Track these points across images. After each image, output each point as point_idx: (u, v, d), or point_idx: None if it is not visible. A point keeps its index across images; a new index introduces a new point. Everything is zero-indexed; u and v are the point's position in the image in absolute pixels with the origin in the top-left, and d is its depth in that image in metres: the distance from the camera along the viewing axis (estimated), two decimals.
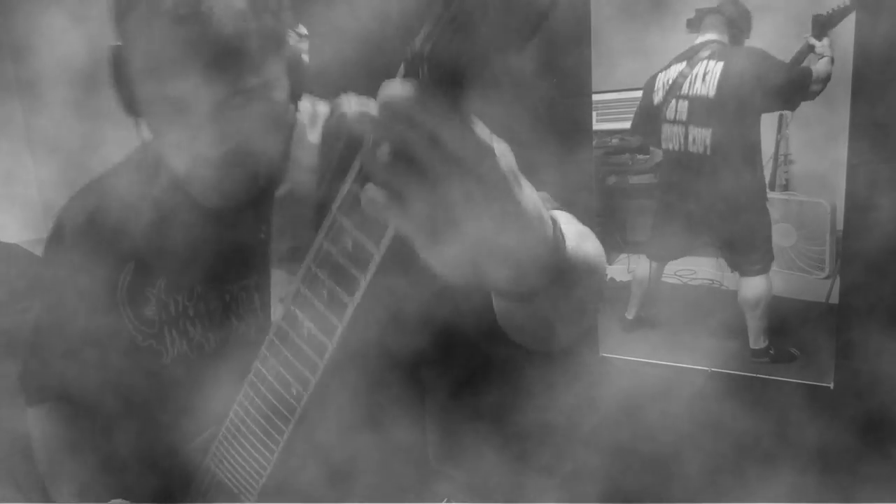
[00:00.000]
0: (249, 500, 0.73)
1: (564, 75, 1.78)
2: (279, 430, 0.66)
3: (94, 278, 0.85)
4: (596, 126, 2.19)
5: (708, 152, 1.90)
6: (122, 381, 0.88)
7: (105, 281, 0.86)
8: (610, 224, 2.92)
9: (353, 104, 0.45)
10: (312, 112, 0.84)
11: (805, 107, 1.86)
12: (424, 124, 0.42)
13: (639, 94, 2.13)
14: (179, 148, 0.76)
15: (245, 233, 0.81)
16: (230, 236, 0.81)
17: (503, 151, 0.45)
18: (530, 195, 0.47)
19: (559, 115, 1.84)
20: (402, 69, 0.44)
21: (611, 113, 2.82)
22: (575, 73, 1.79)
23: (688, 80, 1.94)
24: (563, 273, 0.52)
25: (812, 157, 1.86)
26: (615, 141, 2.87)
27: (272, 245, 0.79)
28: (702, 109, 1.90)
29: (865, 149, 1.55)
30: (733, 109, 1.86)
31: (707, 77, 1.91)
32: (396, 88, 0.42)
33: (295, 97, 0.79)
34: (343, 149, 0.63)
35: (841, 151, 1.64)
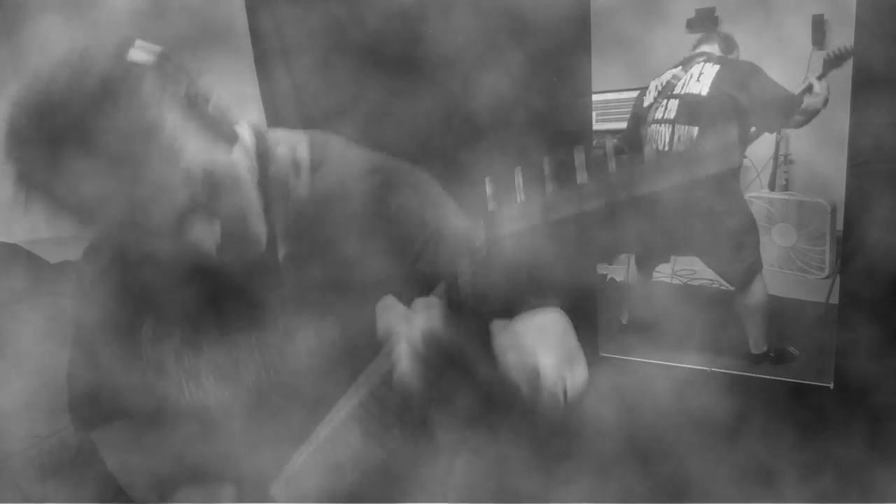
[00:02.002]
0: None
1: (564, 75, 1.78)
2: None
3: (118, 327, 0.88)
4: (596, 126, 2.19)
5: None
6: (149, 424, 0.91)
7: (128, 327, 0.88)
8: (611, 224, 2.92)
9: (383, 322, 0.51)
10: (292, 159, 0.84)
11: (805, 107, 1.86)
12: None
13: (638, 94, 2.13)
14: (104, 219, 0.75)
15: (248, 290, 0.82)
16: (234, 294, 0.83)
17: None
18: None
19: (559, 115, 1.84)
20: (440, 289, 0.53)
21: (611, 113, 2.82)
22: (575, 73, 1.79)
23: (681, 81, 1.96)
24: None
25: (812, 157, 1.86)
26: (614, 141, 2.86)
27: (285, 298, 0.82)
28: (691, 107, 1.91)
29: (865, 149, 1.55)
30: (722, 110, 1.87)
31: (702, 77, 1.92)
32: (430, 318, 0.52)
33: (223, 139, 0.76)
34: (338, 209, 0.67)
35: (841, 151, 1.64)
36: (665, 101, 1.99)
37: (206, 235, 0.74)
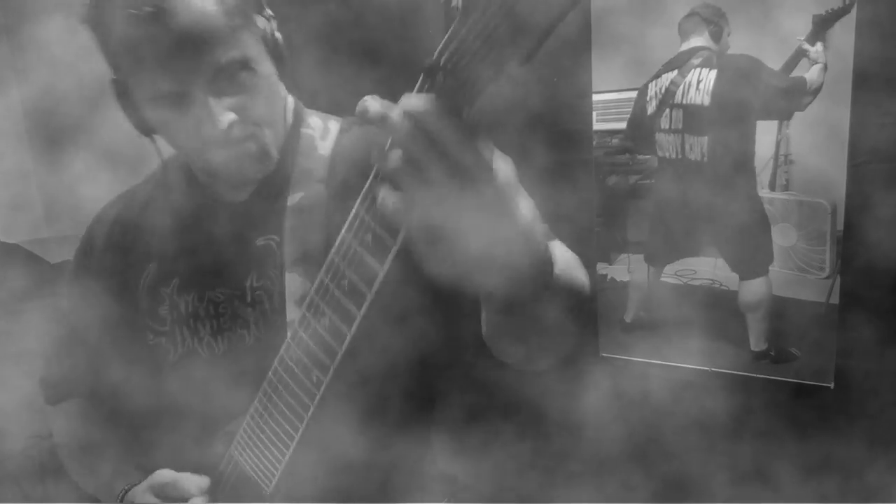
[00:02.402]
0: (268, 487, 0.76)
1: (564, 75, 1.78)
2: (299, 415, 0.69)
3: (121, 279, 0.90)
4: (596, 126, 2.18)
5: (706, 159, 1.92)
6: (134, 378, 0.91)
7: (129, 281, 0.90)
8: (610, 224, 2.92)
9: (376, 105, 0.48)
10: (323, 127, 0.88)
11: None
12: (436, 136, 0.46)
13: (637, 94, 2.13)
14: (190, 139, 0.79)
15: (257, 239, 0.84)
16: (242, 241, 0.85)
17: (503, 168, 0.49)
18: (526, 212, 0.50)
19: (559, 115, 1.84)
20: (420, 79, 0.49)
21: (611, 113, 2.82)
22: (575, 73, 1.80)
23: (680, 88, 1.96)
24: (548, 289, 0.56)
25: (812, 157, 1.86)
26: (615, 141, 2.86)
27: (285, 250, 0.82)
28: (697, 118, 1.92)
29: (865, 149, 1.55)
30: (728, 117, 1.87)
31: (701, 85, 1.92)
32: (417, 101, 0.46)
33: (281, 74, 0.82)
34: (354, 163, 0.67)
35: (841, 151, 1.64)
36: (668, 110, 1.99)
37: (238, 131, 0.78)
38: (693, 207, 1.98)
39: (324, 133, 0.88)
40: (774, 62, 1.83)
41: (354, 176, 0.60)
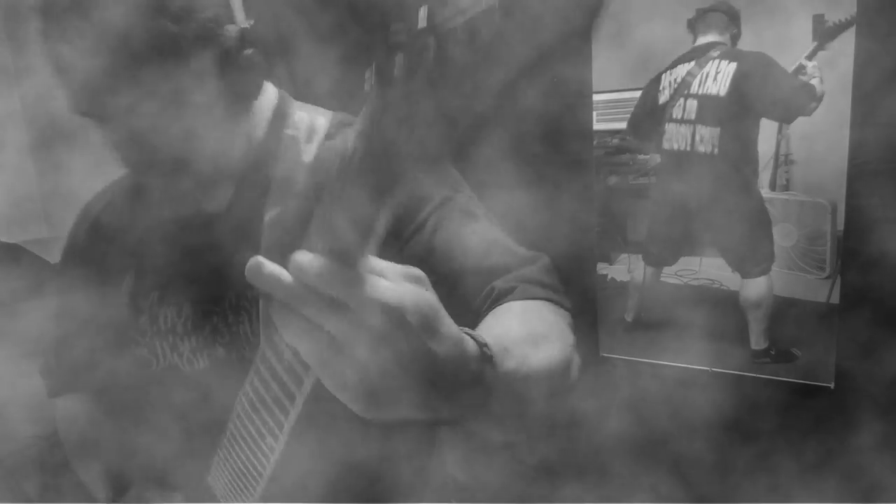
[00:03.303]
0: (258, 483, 0.75)
1: (564, 75, 1.78)
2: (284, 410, 0.66)
3: (103, 280, 0.88)
4: (596, 126, 2.18)
5: (716, 151, 1.91)
6: (125, 378, 0.91)
7: (111, 285, 0.88)
8: (610, 224, 2.93)
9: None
10: (309, 125, 0.82)
11: None
12: (332, 295, 0.40)
13: (639, 94, 2.12)
14: (122, 159, 0.76)
15: (233, 254, 0.79)
16: (221, 255, 0.81)
17: (417, 302, 0.41)
18: (448, 334, 0.43)
19: (559, 115, 1.84)
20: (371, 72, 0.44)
21: (611, 113, 2.82)
22: (575, 73, 1.79)
23: (697, 78, 1.94)
24: (494, 395, 0.49)
25: (812, 157, 1.86)
26: (615, 141, 2.86)
27: None
28: (712, 108, 1.90)
29: (865, 149, 1.55)
30: (743, 109, 1.86)
31: (719, 76, 1.91)
32: (305, 261, 0.41)
33: (241, 97, 0.77)
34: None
35: (841, 151, 1.64)
36: (682, 100, 1.98)
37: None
38: (695, 205, 1.97)
39: (309, 135, 0.82)
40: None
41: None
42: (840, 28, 1.75)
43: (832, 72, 1.78)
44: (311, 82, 1.94)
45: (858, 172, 1.59)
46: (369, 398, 0.42)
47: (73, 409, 1.01)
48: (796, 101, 1.82)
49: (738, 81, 1.87)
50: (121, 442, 0.95)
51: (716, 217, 1.95)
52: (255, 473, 0.68)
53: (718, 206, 1.93)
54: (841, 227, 1.90)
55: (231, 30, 0.73)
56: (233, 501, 0.75)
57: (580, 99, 1.88)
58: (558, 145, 1.92)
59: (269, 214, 0.78)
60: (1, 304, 1.84)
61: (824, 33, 1.79)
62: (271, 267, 0.42)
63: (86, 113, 0.72)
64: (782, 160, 2.59)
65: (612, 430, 1.90)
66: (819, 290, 2.29)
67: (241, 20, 0.76)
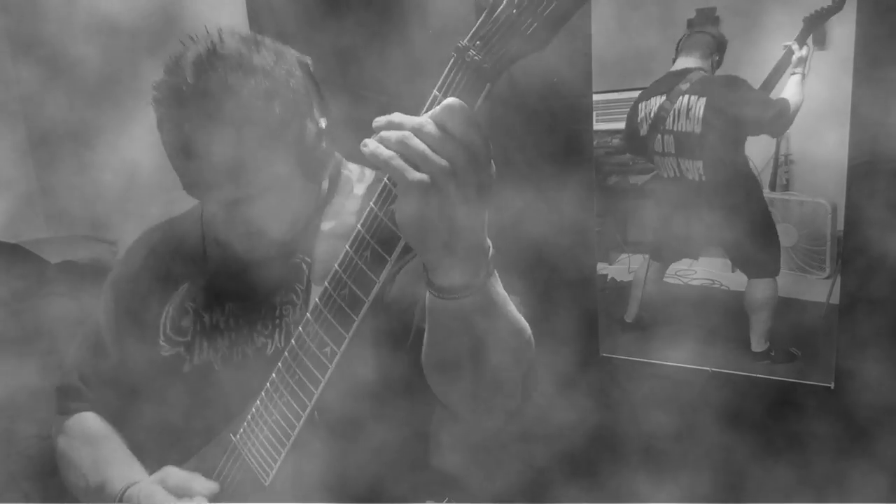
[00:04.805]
0: (266, 479, 0.79)
1: (564, 75, 1.78)
2: (297, 415, 0.74)
3: (153, 298, 0.94)
4: (596, 126, 2.18)
5: (704, 179, 1.95)
6: (149, 389, 0.94)
7: (161, 300, 0.94)
8: (610, 224, 2.93)
9: (403, 118, 0.61)
10: (360, 173, 0.96)
11: (805, 107, 1.87)
12: (467, 140, 0.55)
13: (639, 94, 2.13)
14: (207, 223, 0.89)
15: (286, 259, 0.90)
16: (273, 260, 0.91)
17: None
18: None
19: (559, 115, 1.84)
20: (452, 59, 0.59)
21: (611, 113, 2.82)
22: (575, 73, 1.80)
23: (671, 114, 1.98)
24: (487, 289, 0.63)
25: (812, 157, 1.86)
26: (615, 141, 2.86)
27: (314, 268, 0.88)
28: (690, 144, 1.95)
29: (865, 149, 1.55)
30: (721, 141, 1.90)
31: (690, 113, 1.95)
32: (441, 105, 0.56)
33: (313, 179, 0.89)
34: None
35: (841, 151, 1.64)
36: (660, 136, 2.02)
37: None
38: (698, 214, 2.00)
39: (360, 176, 0.95)
40: (763, 69, 1.84)
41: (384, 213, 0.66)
42: (827, 13, 1.75)
43: (832, 71, 1.78)
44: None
45: (858, 172, 1.59)
46: (431, 233, 0.56)
47: (76, 430, 1.03)
48: (771, 119, 1.85)
49: (709, 117, 1.91)
50: (127, 454, 0.98)
51: (719, 225, 1.97)
52: (292, 422, 0.75)
53: (720, 215, 1.95)
54: (841, 227, 1.90)
55: (311, 127, 0.85)
56: (259, 463, 0.79)
57: (580, 99, 1.88)
58: (558, 145, 1.92)
59: (325, 225, 0.90)
60: (1, 304, 1.84)
61: (812, 18, 1.79)
62: (405, 118, 0.58)
63: (197, 193, 0.83)
64: (782, 160, 2.59)
65: (611, 429, 1.90)
66: (819, 290, 2.29)
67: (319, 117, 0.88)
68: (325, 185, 0.93)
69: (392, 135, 0.57)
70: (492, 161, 0.57)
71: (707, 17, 2.01)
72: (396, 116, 0.59)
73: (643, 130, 2.05)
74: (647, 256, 2.30)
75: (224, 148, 0.76)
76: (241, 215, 0.83)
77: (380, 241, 0.64)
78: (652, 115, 2.02)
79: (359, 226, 0.66)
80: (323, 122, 0.86)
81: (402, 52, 1.82)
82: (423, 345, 0.70)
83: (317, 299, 0.71)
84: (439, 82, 0.61)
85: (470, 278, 0.61)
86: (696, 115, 1.93)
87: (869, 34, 1.50)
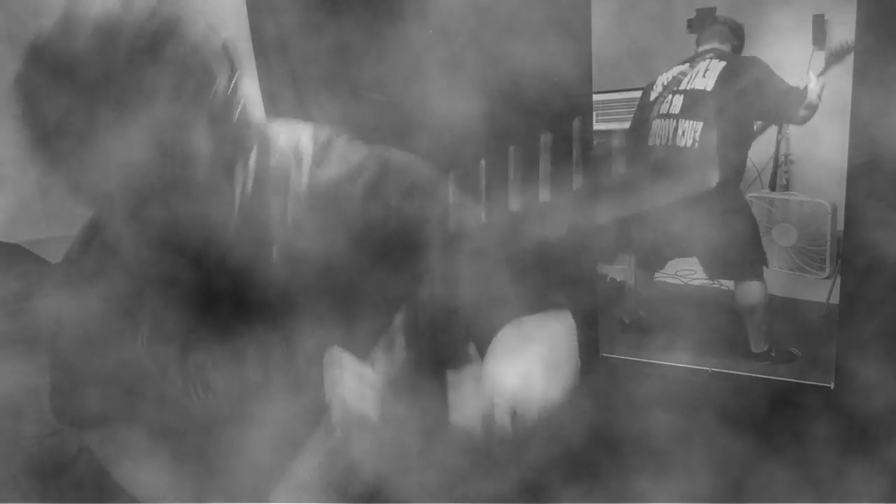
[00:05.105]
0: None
1: (564, 75, 1.78)
2: None
3: (108, 336, 0.86)
4: (596, 126, 2.18)
5: (696, 146, 1.92)
6: (158, 428, 0.91)
7: (126, 336, 0.87)
8: (610, 224, 2.92)
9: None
10: (295, 150, 0.80)
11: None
12: None
13: (639, 94, 2.13)
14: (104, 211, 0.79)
15: (254, 292, 0.80)
16: (234, 299, 0.82)
17: None
18: None
19: (559, 115, 1.84)
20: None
21: (611, 113, 2.82)
22: (575, 73, 1.80)
23: (688, 77, 1.96)
24: None
25: (812, 157, 1.86)
26: (615, 141, 2.86)
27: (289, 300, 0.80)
28: (696, 102, 1.92)
29: (865, 149, 1.55)
30: (727, 106, 1.87)
31: (707, 73, 1.93)
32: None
33: (231, 156, 0.74)
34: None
35: (841, 151, 1.64)
36: (670, 95, 2.00)
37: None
38: (675, 208, 1.98)
39: (297, 160, 0.82)
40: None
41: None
42: (844, 52, 1.74)
43: (832, 71, 1.78)
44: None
45: (858, 172, 1.59)
46: None
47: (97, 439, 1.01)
48: (784, 104, 1.83)
49: (724, 78, 1.89)
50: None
51: (695, 222, 1.95)
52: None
53: (698, 208, 1.93)
54: (841, 227, 1.90)
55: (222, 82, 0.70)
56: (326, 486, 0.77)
57: (580, 99, 1.88)
58: (558, 145, 1.91)
59: (276, 250, 0.78)
60: (1, 304, 1.84)
61: (830, 56, 1.78)
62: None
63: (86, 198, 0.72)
64: (782, 160, 2.59)
65: (610, 429, 1.90)
66: (819, 290, 2.29)
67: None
68: (252, 161, 0.78)
69: None
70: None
71: (708, 16, 2.01)
72: None
73: (655, 94, 2.04)
74: (632, 258, 2.30)
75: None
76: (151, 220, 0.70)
77: None
78: (670, 79, 2.01)
79: None
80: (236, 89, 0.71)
81: (402, 52, 1.81)
82: None
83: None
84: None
85: None
86: (713, 74, 1.92)
87: (869, 34, 1.50)
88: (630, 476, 1.82)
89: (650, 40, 2.12)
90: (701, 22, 2.03)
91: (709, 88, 1.90)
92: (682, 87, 1.96)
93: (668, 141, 1.99)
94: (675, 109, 1.98)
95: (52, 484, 1.66)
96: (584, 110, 1.89)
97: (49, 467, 1.66)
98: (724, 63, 1.89)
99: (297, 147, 0.82)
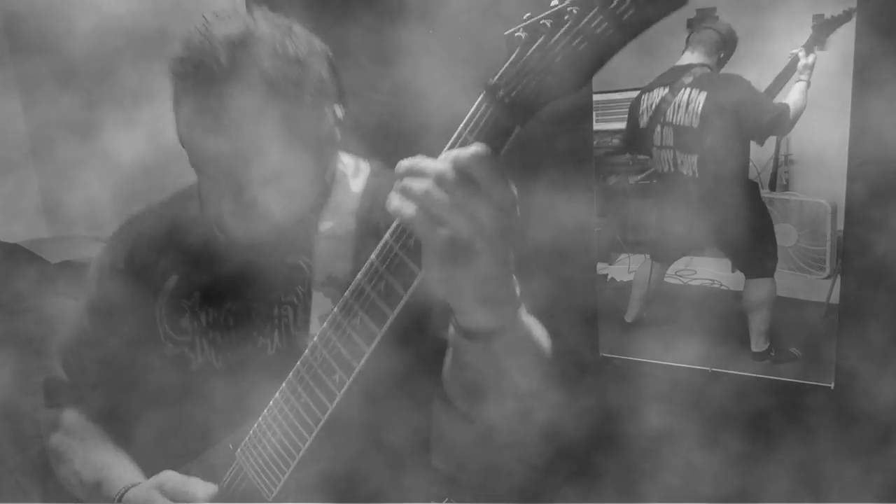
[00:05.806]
0: (269, 495, 0.79)
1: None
2: (315, 416, 0.73)
3: (139, 294, 0.92)
4: (596, 126, 2.18)
5: (696, 175, 1.95)
6: (149, 388, 0.93)
7: (148, 295, 0.92)
8: (610, 224, 2.92)
9: (426, 162, 0.59)
10: (355, 167, 0.95)
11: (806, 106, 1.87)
12: (483, 183, 0.55)
13: (639, 94, 2.13)
14: (209, 204, 0.85)
15: (284, 259, 0.89)
16: (268, 261, 0.89)
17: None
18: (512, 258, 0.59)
19: (559, 115, 1.84)
20: (481, 96, 0.59)
21: (611, 113, 2.82)
22: None
23: (671, 106, 1.98)
24: (516, 328, 0.64)
25: (812, 157, 1.86)
26: (615, 141, 2.86)
27: (315, 270, 0.87)
28: (687, 137, 1.95)
29: (865, 149, 1.55)
30: (717, 138, 1.91)
31: (690, 107, 1.95)
32: (464, 154, 0.56)
33: (324, 167, 0.88)
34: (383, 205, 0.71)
35: (841, 151, 1.64)
36: (660, 127, 2.03)
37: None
38: (696, 210, 2.00)
39: (355, 171, 0.93)
40: (763, 69, 1.84)
41: (383, 215, 0.65)
42: (837, 21, 1.74)
43: (832, 71, 1.78)
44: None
45: (858, 172, 1.59)
46: (459, 282, 0.56)
47: (66, 423, 1.02)
48: (772, 126, 1.85)
49: (707, 112, 1.91)
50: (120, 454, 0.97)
51: (715, 224, 1.97)
52: (298, 445, 0.74)
53: (717, 214, 1.96)
54: (841, 227, 1.90)
55: (330, 117, 0.85)
56: (262, 479, 0.79)
57: (580, 99, 1.88)
58: (558, 145, 1.92)
59: (323, 226, 0.88)
60: (1, 304, 1.84)
61: (821, 26, 1.78)
62: (428, 162, 0.57)
63: (208, 170, 0.81)
64: (782, 160, 2.59)
65: (610, 429, 1.90)
66: (819, 290, 2.29)
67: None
68: (329, 176, 0.91)
69: (414, 185, 0.55)
70: (516, 205, 0.57)
71: (708, 16, 2.01)
72: (420, 163, 0.57)
73: (643, 122, 2.06)
74: (647, 256, 2.30)
75: (247, 130, 0.75)
76: (248, 197, 0.80)
77: (395, 274, 0.63)
78: (653, 107, 2.03)
79: (373, 256, 0.65)
80: (340, 112, 0.86)
81: (402, 52, 1.81)
82: (445, 368, 0.71)
83: (335, 310, 0.69)
84: (465, 119, 0.58)
85: (498, 321, 0.61)
86: (695, 109, 1.94)
87: (869, 34, 1.50)
88: (630, 476, 1.82)
89: (650, 40, 2.13)
90: (700, 22, 2.03)
91: (695, 125, 1.93)
92: (668, 120, 2.00)
93: (671, 169, 2.03)
94: (669, 142, 2.02)
95: (51, 484, 1.66)
96: (584, 110, 1.89)
97: (49, 467, 1.66)
98: (704, 94, 1.92)
99: (357, 165, 0.95)
